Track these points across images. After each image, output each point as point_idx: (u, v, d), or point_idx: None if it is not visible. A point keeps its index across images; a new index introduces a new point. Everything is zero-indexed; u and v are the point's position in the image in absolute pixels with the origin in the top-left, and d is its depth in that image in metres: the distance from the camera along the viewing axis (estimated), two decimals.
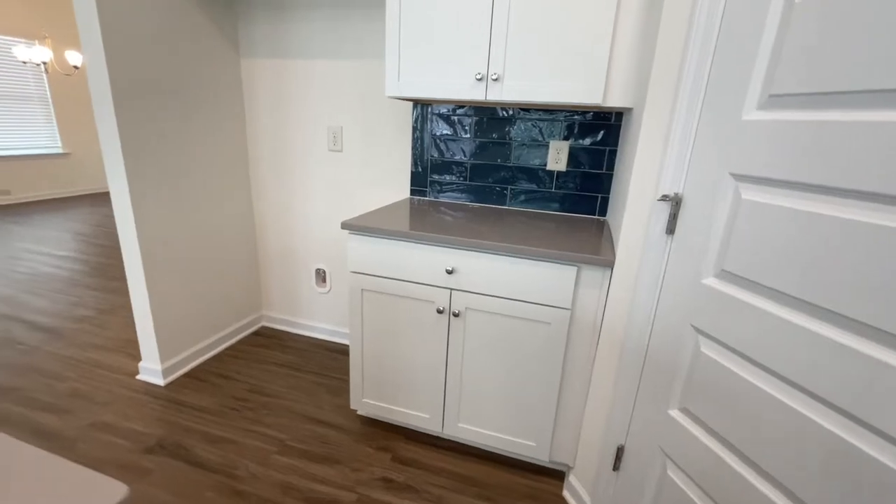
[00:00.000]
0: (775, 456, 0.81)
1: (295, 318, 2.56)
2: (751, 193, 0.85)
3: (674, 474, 1.07)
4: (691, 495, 1.01)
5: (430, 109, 1.94)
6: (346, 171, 2.18)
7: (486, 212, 1.81)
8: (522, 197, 1.90)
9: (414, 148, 2.01)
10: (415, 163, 2.03)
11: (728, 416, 0.91)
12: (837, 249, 0.71)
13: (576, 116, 1.74)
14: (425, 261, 1.46)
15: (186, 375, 2.11)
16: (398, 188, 2.11)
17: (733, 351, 0.90)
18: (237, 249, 2.37)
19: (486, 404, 1.55)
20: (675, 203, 1.01)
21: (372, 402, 1.72)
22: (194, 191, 2.06)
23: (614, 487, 1.29)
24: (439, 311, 1.48)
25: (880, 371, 0.66)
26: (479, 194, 1.96)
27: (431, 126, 1.95)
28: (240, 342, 2.44)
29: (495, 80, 1.47)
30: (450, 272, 1.43)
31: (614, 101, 1.40)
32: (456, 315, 1.47)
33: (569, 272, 1.31)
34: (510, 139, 1.85)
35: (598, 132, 1.73)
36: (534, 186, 1.87)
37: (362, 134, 2.10)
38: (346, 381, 2.12)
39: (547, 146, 1.81)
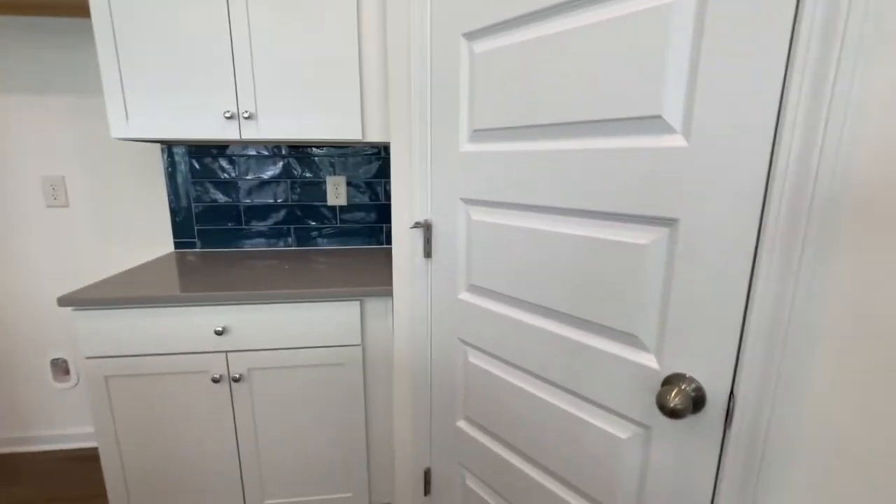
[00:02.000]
0: (530, 438, 0.92)
1: (27, 433, 1.89)
2: (477, 214, 0.96)
3: (472, 484, 1.12)
4: (490, 501, 1.07)
5: (183, 150, 1.70)
6: (76, 230, 1.74)
7: (268, 255, 1.67)
8: (310, 234, 1.82)
9: (171, 195, 1.73)
10: (175, 212, 1.75)
11: (495, 414, 1.00)
12: (535, 254, 0.85)
13: (347, 151, 1.77)
14: (188, 325, 1.24)
15: None
16: (156, 243, 1.78)
17: (489, 354, 0.99)
18: None
19: (291, 470, 1.39)
20: (427, 228, 1.08)
21: None
22: None
23: None
24: (215, 380, 1.27)
25: (579, 347, 0.80)
26: (259, 238, 1.80)
27: (189, 168, 1.72)
28: None
29: (248, 118, 1.37)
30: (220, 332, 1.24)
31: (374, 137, 1.45)
32: (237, 380, 1.28)
33: (353, 308, 1.28)
34: (285, 177, 1.76)
35: (373, 164, 1.79)
36: (317, 223, 1.82)
37: (95, 183, 1.71)
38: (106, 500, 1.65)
39: (324, 182, 1.78)
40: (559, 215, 0.81)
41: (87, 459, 1.85)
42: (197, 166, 1.71)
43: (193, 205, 1.74)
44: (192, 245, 1.78)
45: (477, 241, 0.97)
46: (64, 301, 1.18)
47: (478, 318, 1.00)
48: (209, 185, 1.73)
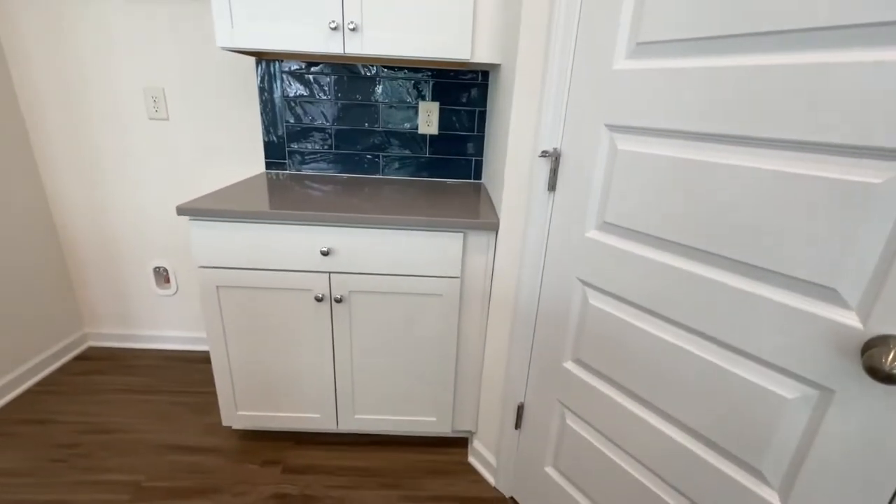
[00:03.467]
0: (660, 389, 0.87)
1: (134, 331, 2.08)
2: (625, 143, 0.86)
3: (573, 423, 1.11)
4: (591, 439, 1.06)
5: (279, 66, 1.65)
6: (177, 143, 1.77)
7: (357, 183, 1.64)
8: (396, 164, 1.77)
9: (264, 113, 1.71)
10: (267, 131, 1.73)
11: (617, 361, 0.96)
12: (702, 192, 0.74)
13: (442, 75, 1.65)
14: (295, 244, 1.25)
15: None
16: (250, 162, 1.80)
17: (618, 298, 0.93)
18: (32, 257, 1.79)
19: (381, 390, 1.45)
20: (555, 158, 0.99)
21: (249, 413, 1.48)
22: None
23: (518, 444, 1.31)
24: (318, 299, 1.30)
25: (746, 298, 0.72)
26: (348, 164, 1.77)
27: (283, 86, 1.67)
28: (58, 372, 1.90)
29: (353, 29, 1.29)
30: (325, 253, 1.25)
31: (482, 57, 1.33)
32: (339, 301, 1.31)
33: (455, 240, 1.24)
34: (376, 101, 1.69)
35: (467, 92, 1.67)
36: (407, 152, 1.76)
37: (194, 97, 1.71)
38: (214, 396, 1.81)
39: (416, 108, 1.69)
40: (728, 144, 0.69)
41: (192, 360, 2.03)
42: (291, 85, 1.67)
43: (285, 125, 1.72)
44: (283, 166, 1.78)
45: (620, 174, 0.87)
46: (182, 210, 1.21)
47: (608, 259, 0.93)
48: (303, 106, 1.69)
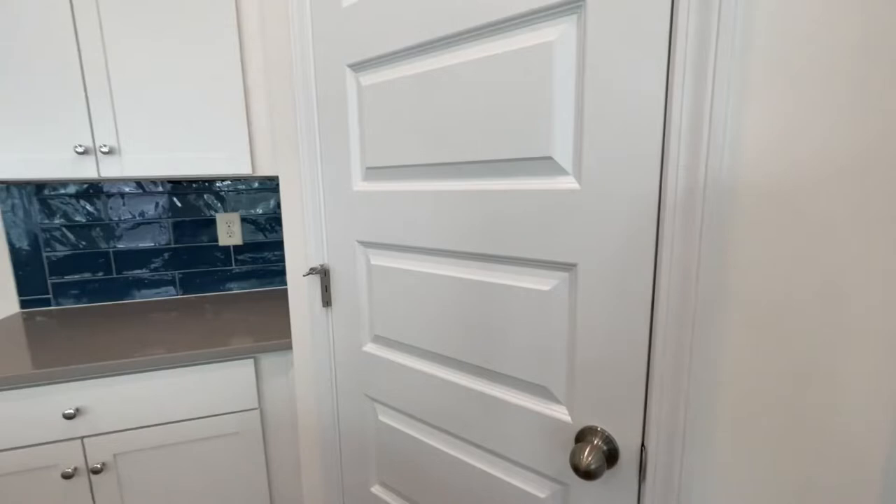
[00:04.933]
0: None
1: None
2: (377, 258, 0.88)
3: None
4: None
5: (31, 188, 1.42)
6: None
7: (145, 310, 1.43)
8: (197, 281, 1.60)
9: (12, 243, 1.43)
10: (18, 264, 1.44)
11: (412, 478, 0.90)
12: (438, 302, 0.78)
13: (241, 184, 1.60)
14: (27, 411, 0.99)
15: None
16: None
17: (399, 412, 0.90)
18: None
19: None
20: (324, 274, 0.97)
21: None
22: None
23: None
24: (67, 477, 1.02)
25: (493, 403, 0.73)
26: (137, 288, 1.55)
27: (39, 210, 1.43)
28: None
29: (108, 153, 1.17)
30: (70, 416, 1.01)
31: (266, 170, 1.32)
32: (98, 471, 1.05)
33: (245, 367, 1.12)
34: (165, 216, 1.54)
35: (272, 198, 1.63)
36: (208, 268, 1.61)
37: None
38: None
39: (214, 220, 1.59)
40: (459, 259, 0.75)
41: None
42: (48, 207, 1.44)
43: (45, 254, 1.45)
44: (47, 302, 1.48)
45: (378, 287, 0.88)
46: None
47: (385, 372, 0.90)
48: (67, 230, 1.46)
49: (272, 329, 1.20)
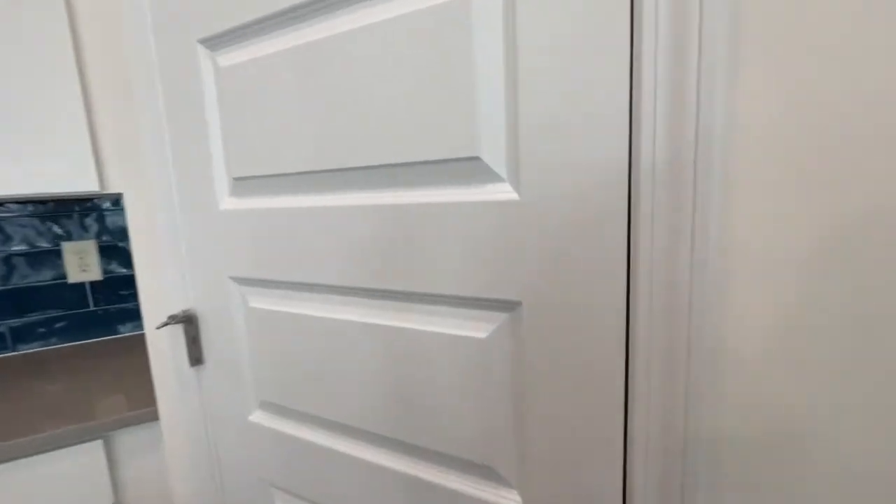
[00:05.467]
0: None
1: None
2: (257, 300, 0.65)
3: None
4: None
5: None
6: None
7: None
8: (41, 330, 1.24)
9: None
10: None
11: None
12: (343, 356, 0.58)
13: (91, 203, 1.26)
14: None
15: None
16: None
17: (307, 501, 0.68)
18: None
19: None
20: (189, 322, 0.73)
21: None
22: None
23: None
24: None
25: (422, 489, 0.55)
26: None
27: None
28: None
29: None
30: None
31: (118, 187, 1.02)
32: None
33: (92, 451, 0.83)
34: None
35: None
36: (55, 312, 1.25)
37: None
38: None
39: (60, 252, 1.23)
40: (366, 299, 0.56)
41: None
42: None
43: None
44: None
45: (262, 338, 0.66)
46: None
47: (280, 450, 0.68)
48: None
49: (139, 390, 0.91)
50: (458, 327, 0.48)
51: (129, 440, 0.87)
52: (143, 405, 0.84)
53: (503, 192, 0.43)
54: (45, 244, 1.23)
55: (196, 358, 0.74)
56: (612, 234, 0.39)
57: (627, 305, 0.39)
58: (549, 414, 0.45)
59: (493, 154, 0.43)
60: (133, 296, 1.33)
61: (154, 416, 0.85)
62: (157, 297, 0.75)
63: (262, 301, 0.65)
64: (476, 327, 0.47)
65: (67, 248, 1.24)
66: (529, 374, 0.45)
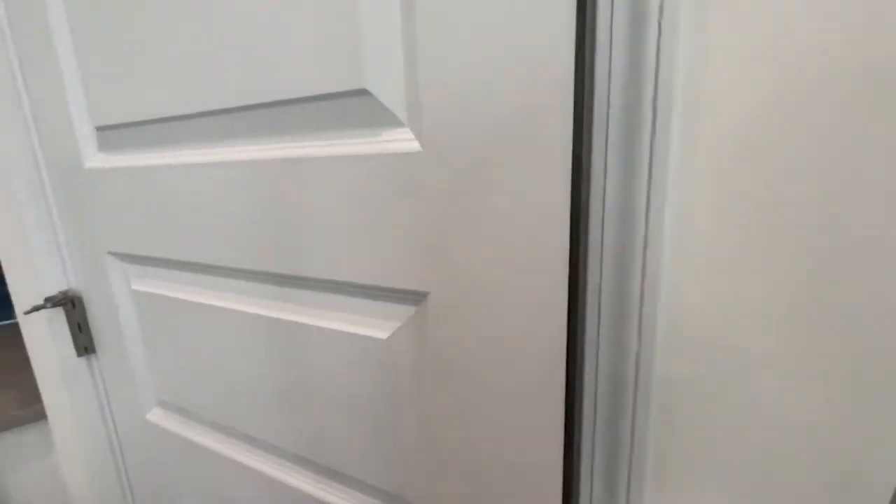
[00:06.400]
0: None
1: None
2: (140, 282, 0.53)
3: None
4: None
5: None
6: None
7: None
8: None
9: None
10: None
11: None
12: (235, 352, 0.47)
13: None
14: None
15: None
16: None
17: None
18: None
19: None
20: (73, 306, 0.61)
21: None
22: None
23: None
24: None
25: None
26: None
27: None
28: None
29: None
30: None
31: None
32: None
33: None
34: None
35: None
36: None
37: None
38: None
39: None
40: (254, 283, 0.44)
41: None
42: None
43: None
44: None
45: (151, 325, 0.54)
46: None
47: (180, 455, 0.58)
48: None
49: (32, 385, 0.80)
50: (354, 324, 0.37)
51: (15, 442, 0.76)
52: (37, 401, 0.73)
53: (401, 138, 0.31)
54: None
55: (84, 347, 0.62)
56: (550, 188, 0.26)
57: (570, 292, 0.28)
58: (469, 437, 0.34)
59: (385, 85, 0.30)
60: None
61: (38, 417, 0.74)
62: (27, 275, 0.62)
63: (146, 283, 0.53)
64: (376, 325, 0.36)
65: None
66: (441, 381, 0.34)
